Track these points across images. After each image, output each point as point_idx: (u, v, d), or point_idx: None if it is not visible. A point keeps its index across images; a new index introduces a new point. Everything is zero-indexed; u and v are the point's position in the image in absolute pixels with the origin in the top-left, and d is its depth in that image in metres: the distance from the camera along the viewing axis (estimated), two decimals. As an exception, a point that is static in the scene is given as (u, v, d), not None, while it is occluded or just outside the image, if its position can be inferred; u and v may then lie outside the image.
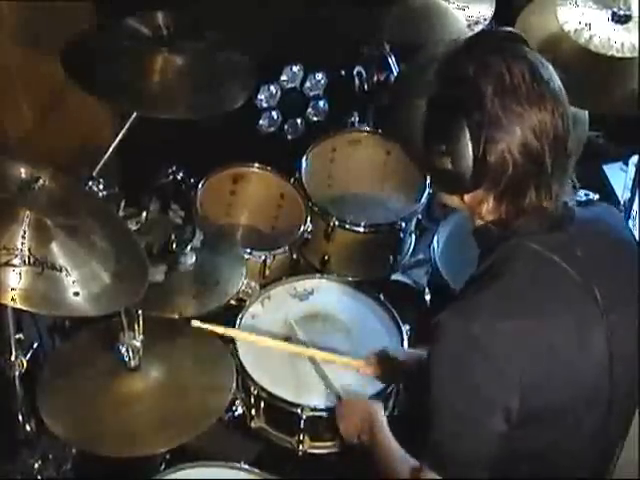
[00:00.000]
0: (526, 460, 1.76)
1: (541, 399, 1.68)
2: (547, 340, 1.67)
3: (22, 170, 2.04)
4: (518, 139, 1.62)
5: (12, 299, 1.89)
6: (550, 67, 1.68)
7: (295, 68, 3.40)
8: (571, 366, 1.69)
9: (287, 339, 2.51)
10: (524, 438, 1.71)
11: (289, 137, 3.52)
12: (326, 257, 2.92)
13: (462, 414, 1.67)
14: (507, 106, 1.62)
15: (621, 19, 2.66)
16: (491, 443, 1.69)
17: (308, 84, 3.46)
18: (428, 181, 2.97)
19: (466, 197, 1.73)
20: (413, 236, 3.05)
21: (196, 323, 2.32)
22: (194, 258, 2.53)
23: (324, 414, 2.35)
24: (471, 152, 1.63)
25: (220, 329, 2.36)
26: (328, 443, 2.41)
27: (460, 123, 1.63)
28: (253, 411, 2.44)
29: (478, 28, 2.90)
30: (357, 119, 3.27)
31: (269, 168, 2.99)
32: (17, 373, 2.21)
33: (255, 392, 2.40)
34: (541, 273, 1.70)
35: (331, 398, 2.37)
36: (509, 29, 1.79)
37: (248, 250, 2.72)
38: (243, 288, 2.60)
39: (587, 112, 2.76)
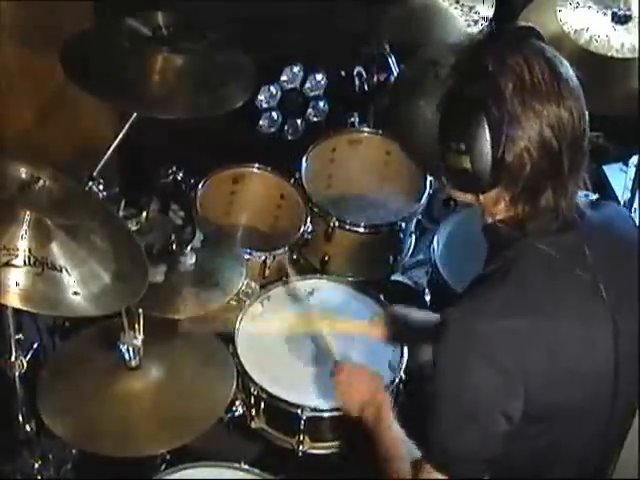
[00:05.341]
0: (527, 459, 1.76)
1: (545, 399, 1.67)
2: (552, 340, 1.66)
3: (22, 170, 2.04)
4: (537, 138, 1.59)
5: (12, 299, 1.90)
6: (567, 64, 1.65)
7: (295, 68, 3.40)
8: (576, 366, 1.69)
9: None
10: (526, 437, 1.70)
11: (289, 137, 3.52)
12: (326, 257, 2.91)
13: (463, 412, 1.67)
14: (527, 104, 1.58)
15: (621, 19, 2.66)
16: (492, 442, 1.68)
17: (308, 84, 3.46)
18: (428, 181, 2.97)
19: (481, 196, 1.70)
20: (413, 236, 3.04)
21: None
22: (194, 258, 2.53)
23: (324, 414, 2.35)
24: (490, 151, 1.60)
25: None
26: (328, 443, 2.41)
27: (480, 121, 1.59)
28: (253, 411, 2.43)
29: (478, 28, 2.90)
30: (357, 119, 3.27)
31: (269, 168, 2.99)
32: (17, 373, 2.21)
33: (255, 392, 2.40)
34: (549, 274, 1.68)
35: (331, 397, 2.36)
36: (526, 24, 1.75)
37: (248, 250, 2.71)
38: (243, 288, 2.60)
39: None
